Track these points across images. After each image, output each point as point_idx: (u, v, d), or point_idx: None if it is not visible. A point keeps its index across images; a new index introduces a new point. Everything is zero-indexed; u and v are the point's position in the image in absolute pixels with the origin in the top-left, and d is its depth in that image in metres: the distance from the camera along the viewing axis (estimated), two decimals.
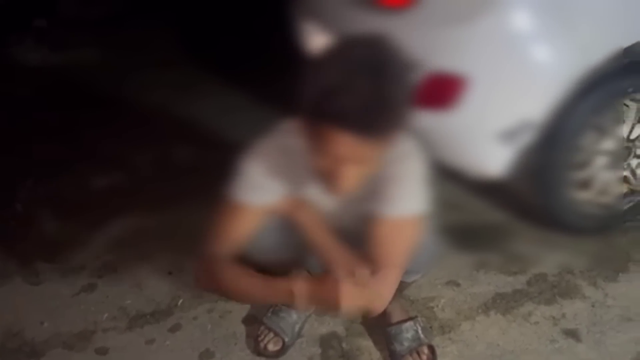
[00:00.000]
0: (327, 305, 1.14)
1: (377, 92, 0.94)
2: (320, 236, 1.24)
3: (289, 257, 1.39)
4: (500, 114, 1.62)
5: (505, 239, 1.93)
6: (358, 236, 1.21)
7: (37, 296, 1.79)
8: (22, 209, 2.19)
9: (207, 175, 2.23)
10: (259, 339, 1.56)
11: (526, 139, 1.63)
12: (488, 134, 1.63)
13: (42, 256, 1.93)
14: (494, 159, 1.66)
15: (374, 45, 0.99)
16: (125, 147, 2.53)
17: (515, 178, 1.70)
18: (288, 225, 1.29)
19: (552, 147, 1.66)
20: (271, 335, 1.56)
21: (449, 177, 1.98)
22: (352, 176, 1.04)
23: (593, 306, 1.66)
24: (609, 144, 1.78)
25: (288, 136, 1.14)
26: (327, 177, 1.07)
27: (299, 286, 1.14)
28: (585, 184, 1.82)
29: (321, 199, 1.24)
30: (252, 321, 1.63)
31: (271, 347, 1.55)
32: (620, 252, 1.85)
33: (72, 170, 2.39)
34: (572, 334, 1.57)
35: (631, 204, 1.89)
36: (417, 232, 1.20)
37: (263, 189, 1.20)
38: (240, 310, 1.67)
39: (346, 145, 0.98)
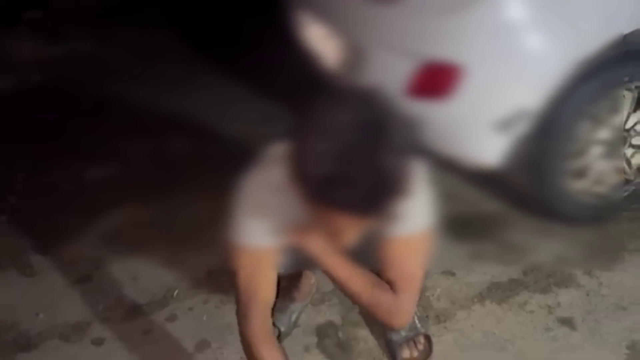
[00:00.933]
0: None
1: (377, 175, 0.86)
2: (333, 261, 1.18)
3: (300, 267, 1.39)
4: (495, 103, 1.62)
5: (501, 228, 1.93)
6: (369, 254, 1.17)
7: (32, 288, 1.79)
8: (15, 201, 2.18)
9: (202, 166, 2.25)
10: None
11: (522, 128, 1.63)
12: (483, 123, 1.63)
13: (36, 248, 1.93)
14: (489, 148, 1.66)
15: (367, 111, 0.88)
16: (120, 138, 2.51)
17: (510, 168, 1.70)
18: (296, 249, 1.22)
19: (548, 136, 1.66)
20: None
21: (444, 167, 1.99)
22: (354, 235, 1.01)
23: (588, 295, 1.66)
24: (604, 134, 1.78)
25: (278, 172, 1.01)
26: (327, 234, 1.06)
27: None
28: (580, 174, 1.82)
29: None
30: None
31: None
32: (615, 241, 1.85)
33: (66, 162, 2.38)
34: (567, 322, 1.58)
35: (626, 194, 1.90)
36: (429, 245, 1.18)
37: (265, 231, 1.13)
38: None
39: (346, 223, 0.95)
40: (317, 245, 1.16)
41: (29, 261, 1.88)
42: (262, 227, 1.12)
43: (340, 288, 1.22)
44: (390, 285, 1.15)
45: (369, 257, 1.16)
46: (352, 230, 0.99)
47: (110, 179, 2.28)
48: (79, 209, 2.10)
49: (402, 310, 1.18)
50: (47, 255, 1.90)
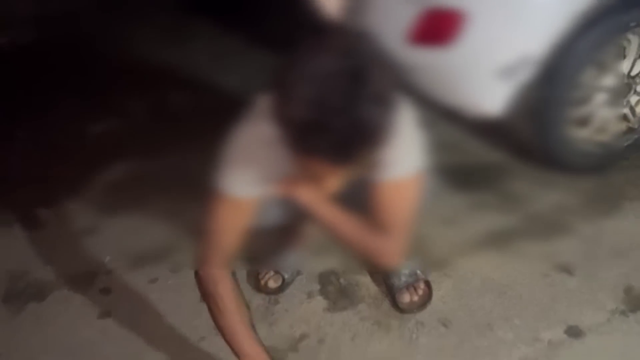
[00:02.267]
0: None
1: (352, 123, 0.85)
2: (322, 209, 1.18)
3: (288, 222, 1.38)
4: (498, 50, 1.59)
5: (501, 178, 1.93)
6: (358, 199, 1.17)
7: (39, 240, 1.83)
8: (18, 156, 2.19)
9: (202, 119, 2.24)
10: (260, 276, 1.60)
11: (525, 75, 1.61)
12: (486, 70, 1.60)
13: (41, 202, 1.95)
14: (491, 96, 1.65)
15: (350, 58, 0.87)
16: (119, 93, 2.50)
17: (513, 116, 1.69)
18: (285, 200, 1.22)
19: (552, 83, 1.64)
20: (271, 272, 1.59)
21: (445, 117, 1.98)
22: (338, 182, 1.01)
23: (586, 242, 1.68)
24: (609, 80, 1.76)
25: (266, 124, 1.00)
26: (313, 183, 1.05)
27: None
28: (583, 122, 1.81)
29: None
30: (251, 260, 1.66)
31: (271, 284, 1.59)
32: (615, 190, 1.86)
33: (66, 117, 2.37)
34: (565, 268, 1.61)
35: (629, 142, 1.89)
36: (419, 189, 1.17)
37: (250, 182, 1.13)
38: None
39: (327, 170, 0.95)
40: (305, 195, 1.16)
41: (34, 214, 1.90)
42: (246, 178, 1.12)
43: (331, 235, 1.23)
44: (380, 228, 1.16)
45: (358, 202, 1.16)
46: (333, 177, 0.99)
47: (111, 132, 2.28)
48: (80, 163, 2.11)
49: (392, 252, 1.20)
50: (52, 208, 1.92)
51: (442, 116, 1.97)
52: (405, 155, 1.11)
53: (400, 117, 1.08)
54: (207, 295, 1.20)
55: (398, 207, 1.16)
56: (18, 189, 2.03)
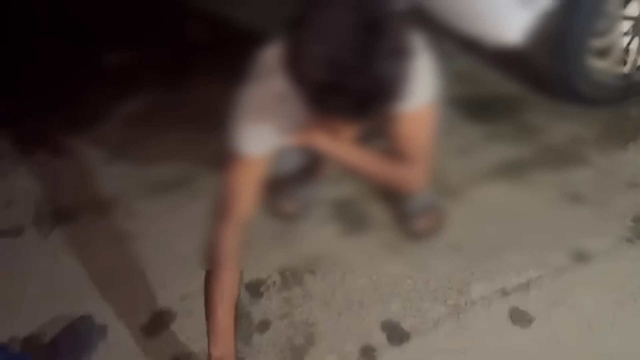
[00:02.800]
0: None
1: (369, 81, 0.83)
2: (343, 152, 1.19)
3: (306, 166, 1.41)
4: None
5: (518, 110, 1.94)
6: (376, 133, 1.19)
7: (64, 167, 1.89)
8: (40, 87, 2.22)
9: (218, 50, 2.24)
10: (276, 201, 1.65)
11: (546, 3, 1.58)
12: None
13: (64, 131, 2.00)
14: (512, 24, 1.62)
15: (363, 12, 0.84)
16: (135, 24, 2.49)
17: (532, 45, 1.67)
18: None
19: (574, 12, 1.61)
20: (287, 199, 1.65)
21: (464, 48, 1.96)
22: (354, 132, 1.03)
23: (599, 173, 1.70)
24: (634, 9, 1.71)
25: (278, 79, 0.98)
26: (329, 133, 1.05)
27: None
28: (604, 52, 1.78)
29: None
30: (269, 186, 1.71)
31: (288, 210, 1.64)
32: (633, 122, 1.86)
33: (84, 48, 2.38)
34: (578, 198, 1.64)
35: None
36: (436, 116, 1.19)
37: (266, 137, 1.12)
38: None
39: (343, 125, 0.95)
40: (324, 141, 1.16)
41: (58, 143, 1.96)
42: (260, 135, 1.11)
43: (355, 173, 1.26)
44: (402, 158, 1.20)
45: (377, 136, 1.19)
46: (350, 130, 1.01)
47: (129, 64, 2.30)
48: (100, 94, 2.14)
49: (417, 178, 1.24)
50: (74, 137, 1.97)
51: (460, 47, 1.95)
52: (422, 85, 1.11)
53: (416, 49, 1.09)
54: (210, 260, 1.19)
55: (418, 136, 1.19)
56: (41, 118, 2.08)
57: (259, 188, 1.18)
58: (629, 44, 1.79)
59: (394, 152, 1.20)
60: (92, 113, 2.06)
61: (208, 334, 1.17)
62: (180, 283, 1.48)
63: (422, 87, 1.12)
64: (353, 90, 0.84)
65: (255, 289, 1.48)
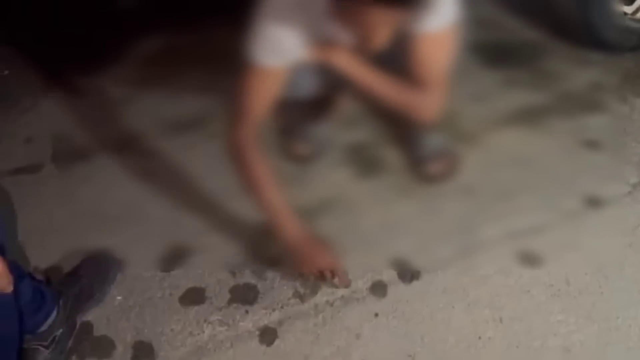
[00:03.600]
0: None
1: None
2: (362, 72, 1.20)
3: (322, 92, 1.40)
4: None
5: (537, 56, 1.90)
6: (395, 57, 1.17)
7: (79, 108, 1.91)
8: (53, 31, 2.22)
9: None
10: (290, 145, 1.66)
11: None
12: None
13: (78, 72, 2.01)
14: None
15: None
16: None
17: None
18: (321, 67, 1.23)
19: None
20: (302, 141, 1.65)
21: None
22: (385, 36, 0.99)
23: (617, 120, 1.68)
24: None
25: None
26: (358, 39, 1.02)
27: None
28: None
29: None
30: (284, 130, 1.72)
31: (302, 152, 1.65)
32: None
33: None
34: (594, 144, 1.62)
35: None
36: (454, 41, 1.18)
37: (286, 48, 1.13)
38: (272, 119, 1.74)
39: (382, 16, 0.92)
40: (344, 59, 1.18)
41: (77, 82, 1.97)
42: (280, 45, 1.12)
43: (371, 96, 1.25)
44: (419, 84, 1.19)
45: (395, 62, 1.17)
46: (386, 28, 0.98)
47: (144, 5, 2.27)
48: (115, 36, 2.13)
49: (432, 105, 1.24)
50: (90, 77, 1.98)
51: None
52: (441, 5, 1.10)
53: None
54: (234, 158, 1.25)
55: (436, 59, 1.17)
56: (60, 58, 2.08)
57: (274, 99, 1.21)
58: None
59: (410, 77, 1.19)
60: (109, 53, 2.07)
61: (274, 226, 1.28)
62: (196, 219, 1.51)
63: (441, 8, 1.11)
64: None
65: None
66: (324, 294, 1.35)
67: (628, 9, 1.75)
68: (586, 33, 1.80)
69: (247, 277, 1.39)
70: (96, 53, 2.07)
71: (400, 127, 1.66)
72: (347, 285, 1.34)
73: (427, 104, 1.22)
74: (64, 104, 1.93)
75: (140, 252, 1.46)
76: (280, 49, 1.13)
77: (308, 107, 1.56)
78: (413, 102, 1.21)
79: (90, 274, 1.37)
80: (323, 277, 1.29)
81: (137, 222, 1.53)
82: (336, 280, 1.31)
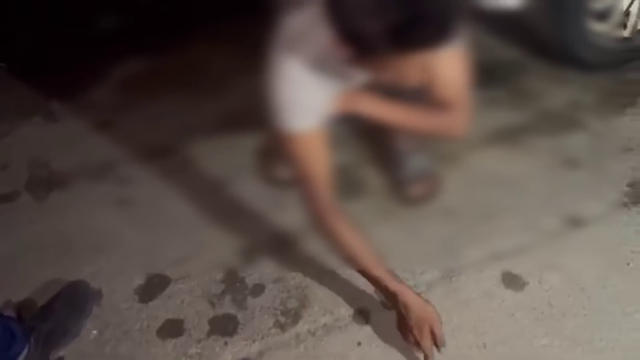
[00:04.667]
0: None
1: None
2: (386, 112, 1.18)
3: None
4: None
5: (516, 75, 1.91)
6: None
7: (57, 132, 1.88)
8: (32, 52, 2.19)
9: (215, 15, 2.20)
10: (271, 168, 1.64)
11: None
12: None
13: (57, 96, 1.98)
14: None
15: None
16: None
17: (532, 9, 1.64)
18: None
19: None
20: (281, 164, 1.64)
21: (461, 15, 1.91)
22: (419, 73, 0.96)
23: (596, 138, 1.69)
24: None
25: (315, 42, 0.99)
26: (388, 81, 0.99)
27: None
28: (603, 15, 1.74)
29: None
30: (264, 152, 1.71)
31: (282, 175, 1.63)
32: (631, 86, 1.83)
33: (77, 12, 2.34)
34: (573, 163, 1.63)
35: None
36: (467, 59, 1.17)
37: (314, 107, 1.09)
38: (252, 142, 1.74)
39: (414, 61, 0.90)
40: (370, 103, 1.16)
41: (51, 108, 1.94)
42: (307, 108, 1.08)
43: (398, 129, 1.27)
44: (444, 105, 1.18)
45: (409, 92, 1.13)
46: (418, 67, 0.95)
47: (123, 27, 2.26)
48: (94, 58, 2.11)
49: (461, 122, 1.23)
50: (68, 102, 1.96)
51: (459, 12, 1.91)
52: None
53: None
54: (322, 232, 1.20)
55: (457, 78, 1.17)
56: (35, 82, 2.06)
57: (327, 151, 1.15)
58: (629, 6, 1.76)
59: (433, 101, 1.18)
60: (87, 78, 2.05)
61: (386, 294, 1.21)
62: (174, 248, 1.49)
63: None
64: (431, 13, 0.84)
65: (250, 253, 1.48)
66: (306, 322, 1.33)
67: (602, 28, 1.77)
68: (562, 52, 1.81)
69: (227, 307, 1.37)
70: (74, 78, 2.04)
71: (381, 149, 1.66)
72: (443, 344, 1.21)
73: (457, 123, 1.22)
74: (41, 129, 1.90)
75: (117, 282, 1.44)
76: (309, 109, 1.09)
77: None
78: (445, 124, 1.21)
79: (66, 308, 1.33)
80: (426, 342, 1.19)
81: (114, 252, 1.51)
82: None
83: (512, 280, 1.37)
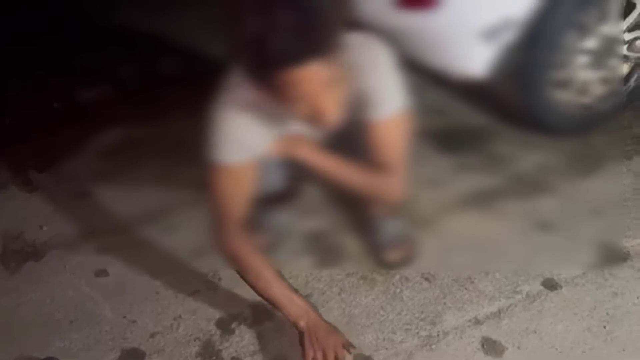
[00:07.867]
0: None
1: (302, 9, 0.91)
2: (323, 161, 1.23)
3: (288, 185, 1.45)
4: (482, 12, 1.62)
5: (486, 140, 1.98)
6: (352, 148, 1.23)
7: (34, 203, 1.87)
8: (10, 121, 2.21)
9: (192, 85, 2.26)
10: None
11: (508, 37, 1.64)
12: (470, 32, 1.63)
13: (34, 166, 1.98)
14: (476, 58, 1.68)
15: None
16: (109, 58, 2.51)
17: (496, 78, 1.72)
18: (285, 161, 1.27)
19: (534, 45, 1.67)
20: (259, 231, 1.64)
21: (432, 82, 2.01)
22: (332, 103, 1.03)
23: (566, 201, 1.74)
24: (591, 43, 1.79)
25: (250, 90, 1.06)
26: (310, 117, 1.05)
27: None
28: (565, 84, 1.84)
29: (309, 132, 1.21)
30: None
31: (259, 242, 1.63)
32: (597, 150, 1.91)
33: (58, 82, 2.39)
34: (545, 225, 1.66)
35: (610, 105, 1.92)
36: (408, 125, 1.23)
37: (248, 143, 1.16)
38: None
39: (306, 78, 0.96)
40: (306, 150, 1.21)
41: (28, 178, 1.94)
42: (239, 142, 1.15)
43: (334, 184, 1.28)
44: (379, 168, 1.22)
45: (354, 150, 1.21)
46: (326, 100, 1.00)
47: (103, 98, 2.31)
48: (72, 129, 2.14)
49: (395, 188, 1.26)
50: (44, 172, 1.96)
51: (429, 81, 2.00)
52: (390, 93, 1.17)
53: (369, 44, 1.16)
54: (230, 261, 1.26)
55: (393, 144, 1.21)
56: (12, 151, 2.06)
57: (250, 194, 1.22)
58: (588, 75, 1.86)
59: (371, 162, 1.22)
60: (65, 148, 2.06)
61: (284, 315, 1.28)
62: (150, 320, 1.46)
63: (390, 95, 1.18)
64: (288, 24, 0.89)
65: (226, 325, 1.45)
66: None
67: (564, 95, 1.85)
68: (527, 118, 1.90)
69: None
70: (51, 148, 2.06)
71: (358, 214, 1.68)
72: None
73: (390, 187, 1.25)
74: (16, 199, 1.89)
75: (89, 357, 1.39)
76: (243, 144, 1.15)
77: (266, 197, 1.56)
78: (377, 185, 1.24)
79: None
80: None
81: (87, 325, 1.47)
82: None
83: (491, 346, 1.36)
